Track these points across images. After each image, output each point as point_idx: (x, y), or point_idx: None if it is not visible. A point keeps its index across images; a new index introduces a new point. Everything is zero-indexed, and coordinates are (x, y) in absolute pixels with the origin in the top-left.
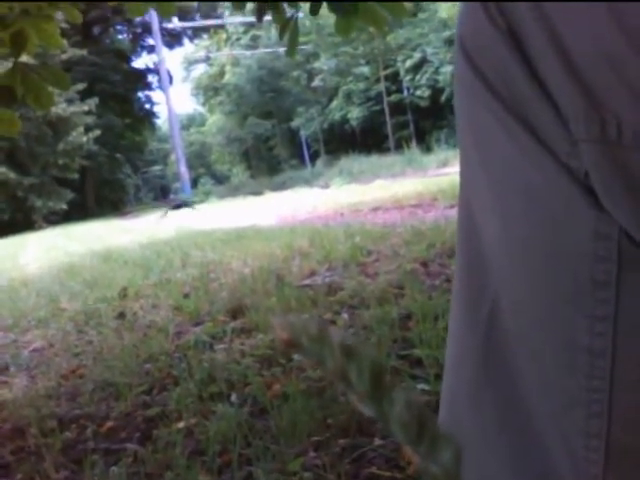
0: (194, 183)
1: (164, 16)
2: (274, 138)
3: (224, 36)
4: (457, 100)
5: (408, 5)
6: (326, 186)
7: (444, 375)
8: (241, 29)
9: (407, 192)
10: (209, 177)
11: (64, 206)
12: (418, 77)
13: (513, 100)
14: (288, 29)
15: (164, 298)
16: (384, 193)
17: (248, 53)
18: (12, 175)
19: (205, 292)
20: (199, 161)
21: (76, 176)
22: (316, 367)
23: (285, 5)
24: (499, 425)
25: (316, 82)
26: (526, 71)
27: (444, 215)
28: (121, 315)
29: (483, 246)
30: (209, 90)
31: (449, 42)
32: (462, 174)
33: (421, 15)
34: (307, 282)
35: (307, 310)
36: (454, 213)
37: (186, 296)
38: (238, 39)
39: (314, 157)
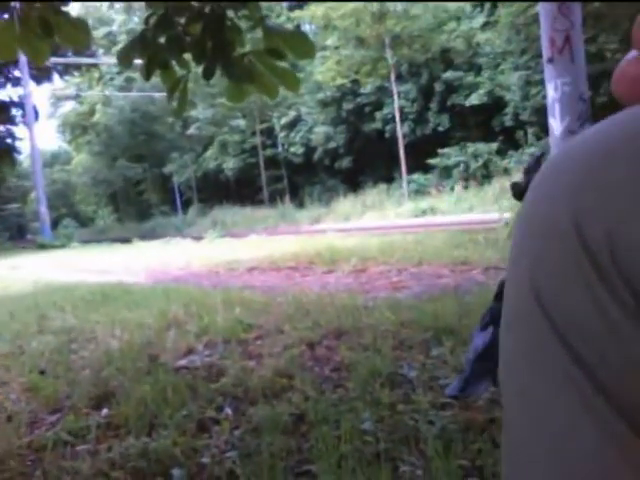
0: (55, 224)
1: (37, 62)
2: (144, 182)
3: (97, 75)
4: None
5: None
6: (199, 238)
7: None
8: (115, 69)
9: (283, 252)
10: (72, 218)
11: None
12: (292, 134)
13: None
14: (178, 89)
15: (15, 374)
16: (260, 251)
17: (121, 94)
18: None
19: (65, 368)
20: (62, 201)
21: None
22: None
23: (175, 65)
24: None
25: (191, 130)
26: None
27: (322, 283)
28: None
29: None
30: (77, 128)
31: (322, 104)
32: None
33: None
34: (184, 362)
35: (185, 401)
36: (332, 280)
37: (42, 373)
38: (111, 79)
39: (186, 205)
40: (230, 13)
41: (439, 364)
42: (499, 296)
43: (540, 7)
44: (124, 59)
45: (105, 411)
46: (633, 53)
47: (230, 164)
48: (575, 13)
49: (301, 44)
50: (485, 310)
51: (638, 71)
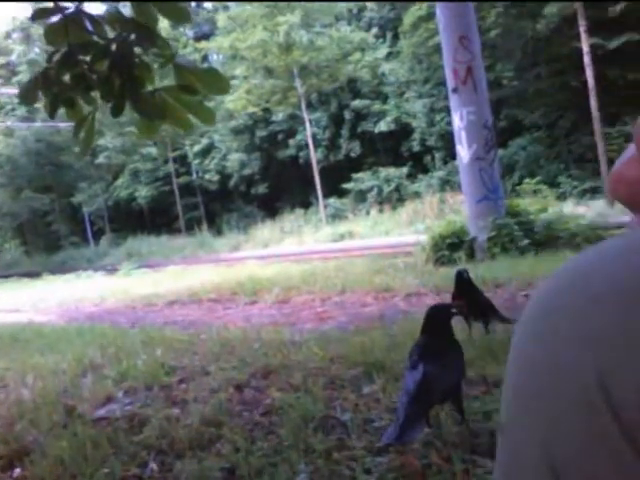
0: None
1: None
2: (53, 213)
3: None
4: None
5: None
6: (114, 270)
7: None
8: (16, 100)
9: (204, 282)
10: None
11: None
12: (207, 161)
13: None
14: (84, 126)
15: None
16: (179, 282)
17: (24, 125)
18: None
19: None
20: None
21: None
22: None
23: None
24: None
25: (100, 159)
26: None
27: (246, 315)
28: None
29: None
30: None
31: (235, 131)
32: None
33: (208, 104)
34: (103, 413)
35: (106, 457)
36: (256, 311)
37: None
38: (13, 109)
39: (98, 235)
40: (139, 50)
41: (371, 403)
42: (426, 329)
43: (442, 39)
44: (27, 97)
45: (18, 471)
46: (628, 154)
47: (143, 192)
48: (475, 45)
49: (214, 80)
50: (412, 345)
51: (636, 174)
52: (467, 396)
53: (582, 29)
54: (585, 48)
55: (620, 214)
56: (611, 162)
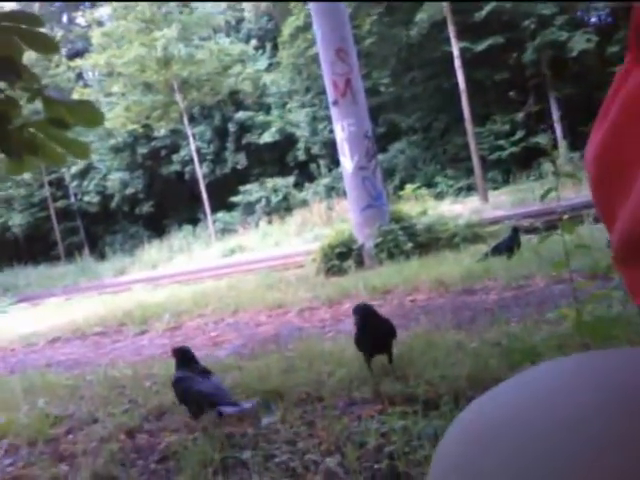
0: None
1: None
2: None
3: None
4: None
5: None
6: None
7: None
8: None
9: (88, 315)
10: None
11: None
12: (86, 183)
13: None
14: None
15: None
16: (61, 316)
17: None
18: None
19: None
20: None
21: None
22: None
23: None
24: None
25: None
26: None
27: (136, 347)
28: None
29: None
30: None
31: (115, 150)
32: None
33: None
34: None
35: None
36: (146, 342)
37: None
38: None
39: None
40: (2, 85)
41: (271, 436)
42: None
43: (320, 52)
44: None
45: None
46: None
47: (17, 220)
48: (352, 57)
49: (87, 113)
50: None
51: None
52: (363, 416)
53: (451, 34)
54: (455, 52)
55: (492, 209)
56: (483, 160)
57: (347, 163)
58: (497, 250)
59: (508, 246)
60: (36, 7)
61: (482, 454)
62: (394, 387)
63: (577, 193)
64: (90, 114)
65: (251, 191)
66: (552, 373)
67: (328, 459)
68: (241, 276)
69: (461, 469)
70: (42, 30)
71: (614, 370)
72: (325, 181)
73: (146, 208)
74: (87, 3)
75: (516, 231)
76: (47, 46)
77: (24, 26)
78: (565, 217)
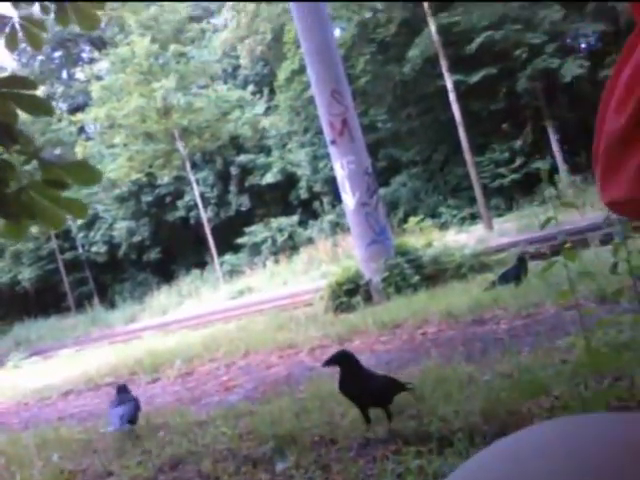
0: None
1: None
2: None
3: None
4: None
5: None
6: (0, 364)
7: None
8: None
9: (100, 365)
10: None
11: None
12: (92, 233)
13: None
14: None
15: None
16: (73, 368)
17: None
18: None
19: None
20: None
21: None
22: None
23: None
24: None
25: None
26: None
27: (148, 396)
28: None
29: None
30: None
31: (120, 199)
32: None
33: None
34: None
35: None
36: (159, 390)
37: None
38: None
39: None
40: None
41: None
42: None
43: (315, 94)
44: None
45: None
46: None
47: (26, 274)
48: (346, 97)
49: (84, 172)
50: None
51: None
52: (378, 457)
53: (444, 68)
54: (449, 85)
55: (497, 237)
56: (485, 188)
57: (349, 200)
58: (504, 278)
59: (515, 274)
60: (37, 65)
61: None
62: (408, 425)
63: (582, 215)
64: (87, 173)
65: (256, 232)
66: (534, 437)
67: None
68: (250, 317)
69: None
70: (36, 93)
71: (586, 435)
72: (329, 217)
73: (153, 255)
74: (86, 58)
75: (522, 259)
76: (42, 109)
77: (19, 91)
78: (567, 245)
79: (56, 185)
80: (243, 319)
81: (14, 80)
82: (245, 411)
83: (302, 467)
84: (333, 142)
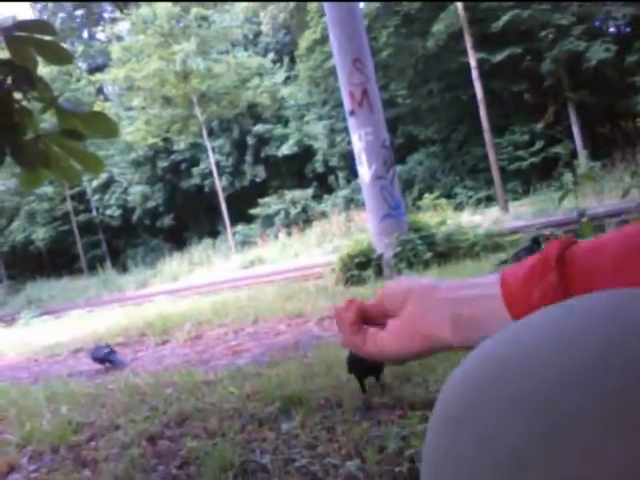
0: None
1: None
2: None
3: None
4: None
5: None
6: (13, 320)
7: None
8: None
9: (110, 326)
10: None
11: None
12: (107, 197)
13: None
14: None
15: None
16: (84, 328)
17: None
18: None
19: None
20: None
21: None
22: None
23: None
24: None
25: None
26: None
27: (157, 357)
28: None
29: None
30: None
31: (136, 163)
32: None
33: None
34: None
35: None
36: (168, 352)
37: None
38: None
39: None
40: (18, 95)
41: (291, 441)
42: None
43: (336, 63)
44: None
45: None
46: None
47: (40, 234)
48: (368, 67)
49: (101, 124)
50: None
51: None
52: (383, 421)
53: (468, 45)
54: (472, 63)
55: (512, 219)
56: (502, 170)
57: (365, 172)
58: (518, 257)
59: (529, 255)
60: (57, 22)
61: (496, 389)
62: (415, 392)
63: (599, 202)
64: (104, 125)
65: (270, 203)
66: (570, 312)
67: (348, 463)
68: (261, 287)
69: (470, 404)
70: (55, 39)
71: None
72: (344, 193)
73: (167, 221)
74: (107, 18)
75: (537, 240)
76: (60, 57)
77: (39, 36)
78: (584, 219)
79: (73, 136)
80: (253, 288)
81: (33, 24)
82: (253, 373)
83: (307, 427)
84: (352, 113)
